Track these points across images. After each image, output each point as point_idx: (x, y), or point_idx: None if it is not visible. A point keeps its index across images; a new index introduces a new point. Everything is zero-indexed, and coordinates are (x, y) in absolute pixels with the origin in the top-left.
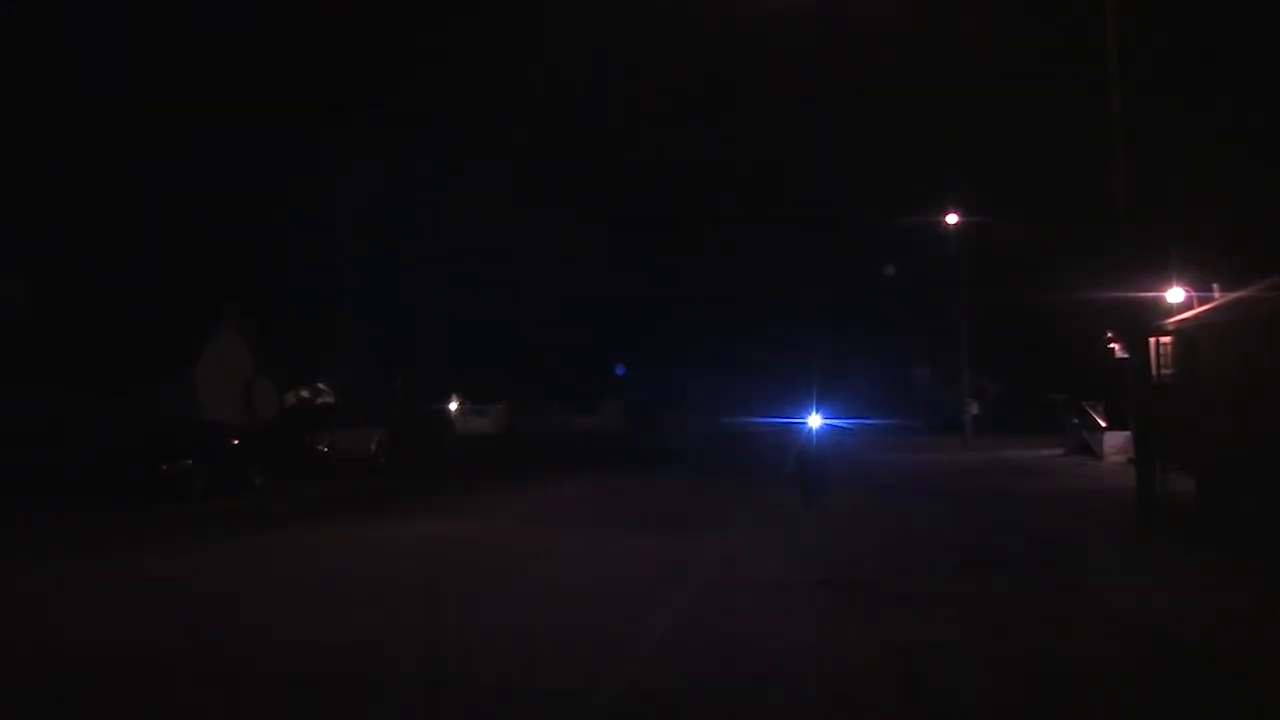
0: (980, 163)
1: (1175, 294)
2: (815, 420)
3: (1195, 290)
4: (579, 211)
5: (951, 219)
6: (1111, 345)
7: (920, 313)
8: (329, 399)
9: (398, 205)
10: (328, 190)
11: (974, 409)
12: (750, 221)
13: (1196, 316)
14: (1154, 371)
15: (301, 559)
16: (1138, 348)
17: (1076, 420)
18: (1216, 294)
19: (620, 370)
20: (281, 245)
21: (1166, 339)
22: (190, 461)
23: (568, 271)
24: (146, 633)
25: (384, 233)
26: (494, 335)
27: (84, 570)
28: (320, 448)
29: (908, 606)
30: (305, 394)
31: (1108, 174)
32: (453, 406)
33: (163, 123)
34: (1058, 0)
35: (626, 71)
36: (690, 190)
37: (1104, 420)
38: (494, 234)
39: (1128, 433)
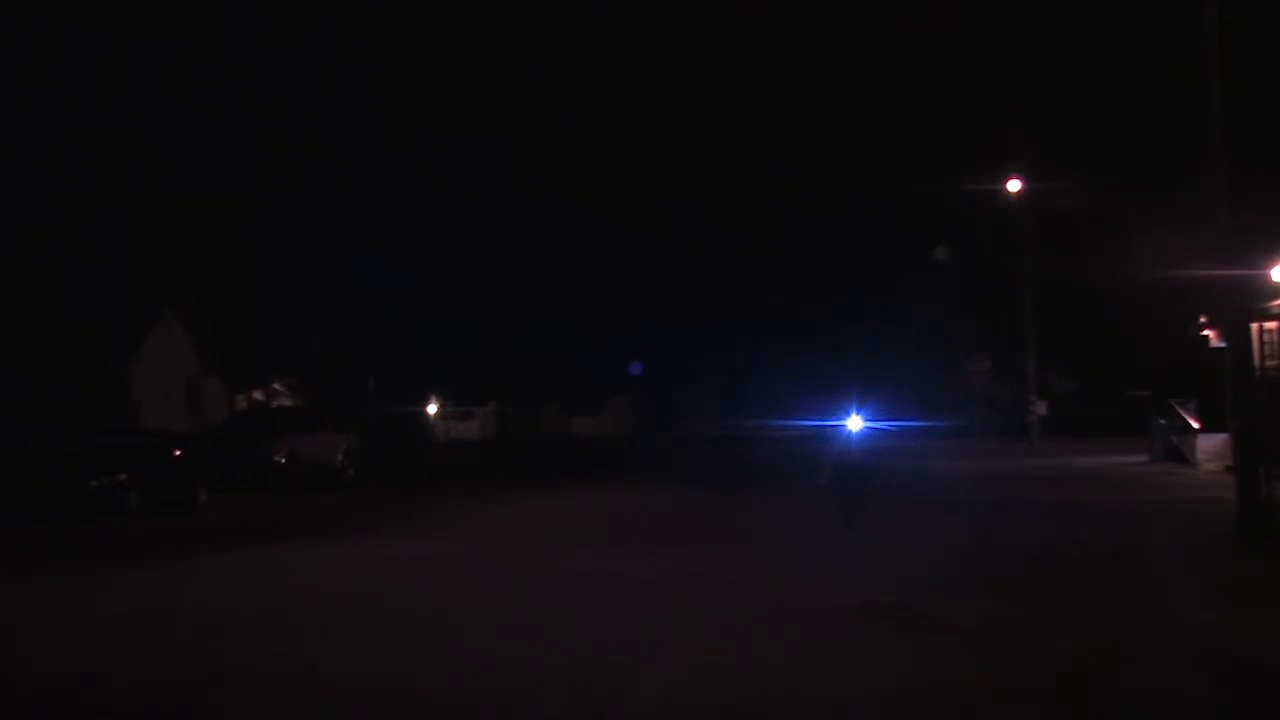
0: (1045, 116)
1: None
2: (854, 423)
3: None
4: (580, 188)
5: (1013, 185)
6: (1205, 332)
7: (976, 296)
8: (287, 401)
9: (378, 184)
10: (294, 165)
11: (1040, 408)
12: (779, 196)
13: None
14: (1258, 363)
15: (247, 585)
16: (1237, 335)
17: (1163, 421)
18: None
19: (635, 369)
20: (237, 226)
21: (1272, 324)
22: (124, 476)
23: (568, 257)
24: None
25: (359, 214)
26: (481, 329)
27: None
28: (277, 458)
29: (962, 639)
30: (260, 396)
31: (1200, 125)
32: (432, 410)
33: (108, 82)
34: None
35: (640, 36)
36: (713, 161)
37: (1196, 421)
38: (486, 217)
39: (1225, 435)
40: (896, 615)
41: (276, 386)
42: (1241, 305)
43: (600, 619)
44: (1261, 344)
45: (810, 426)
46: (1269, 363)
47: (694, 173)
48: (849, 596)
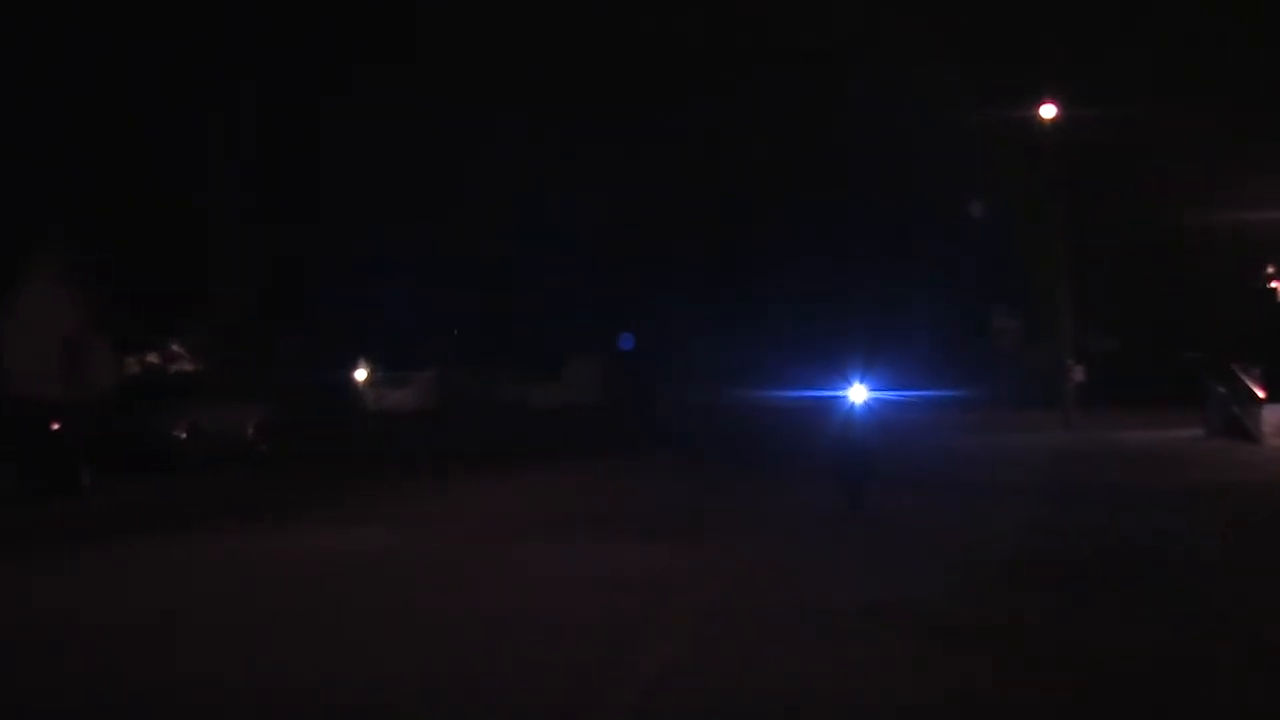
0: (1085, 29)
1: None
2: (859, 393)
3: None
4: (541, 113)
5: (1047, 111)
6: (1273, 285)
7: (1004, 244)
8: (187, 365)
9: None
10: (201, 81)
11: (1078, 374)
12: (775, 130)
13: None
14: None
15: (137, 585)
16: None
17: (1222, 389)
18: None
19: (626, 341)
20: (128, 153)
21: None
22: None
23: (524, 195)
24: None
25: (277, 142)
26: (419, 278)
27: None
28: (176, 433)
29: (982, 643)
30: (154, 359)
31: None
32: (360, 376)
33: None
34: None
35: None
36: (701, 85)
37: (1263, 389)
38: (432, 145)
39: None
40: (907, 616)
41: (174, 348)
42: None
43: (555, 625)
44: None
45: (812, 397)
46: None
47: (686, 93)
48: (853, 596)
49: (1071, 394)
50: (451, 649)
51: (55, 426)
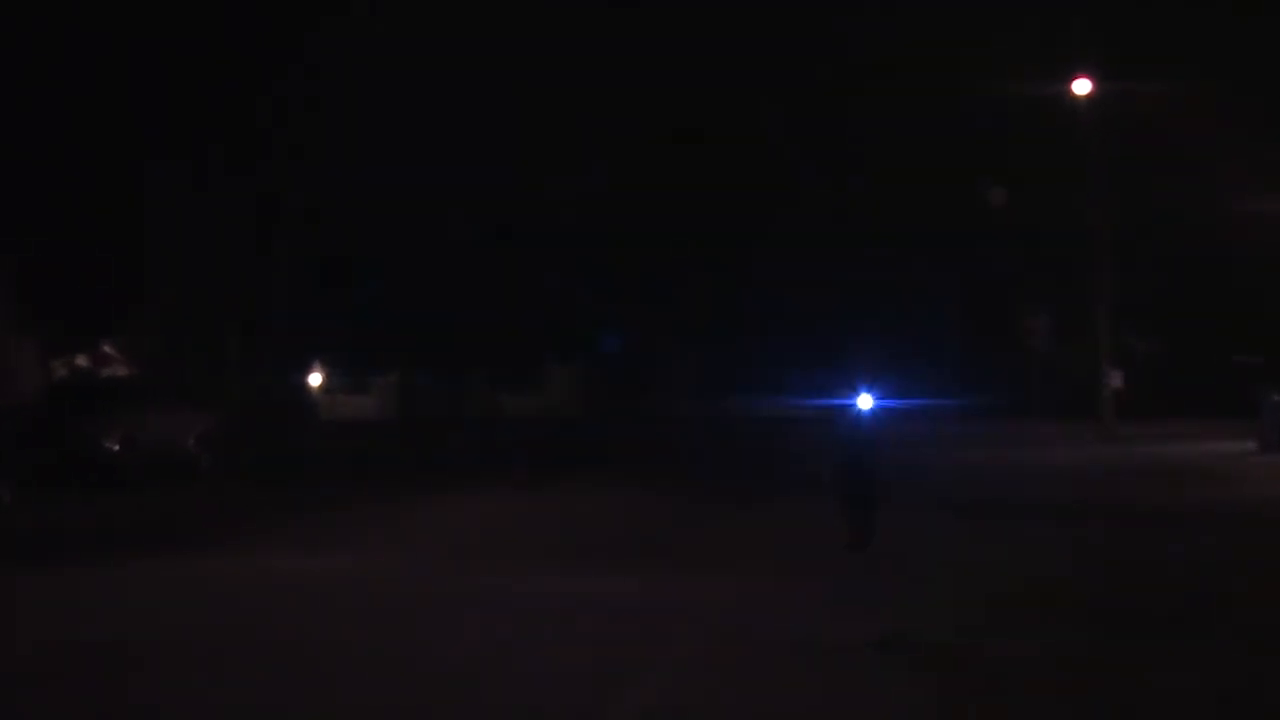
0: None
1: None
2: (865, 402)
3: None
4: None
5: (1080, 87)
6: None
7: (1032, 235)
8: (121, 369)
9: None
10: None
11: (1116, 380)
12: (774, 110)
13: None
14: None
15: (59, 616)
16: None
17: (1278, 398)
18: None
19: (609, 343)
20: (52, 134)
21: None
22: None
23: (491, 180)
24: None
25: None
26: (385, 274)
27: None
28: (108, 444)
29: (1005, 682)
30: (84, 362)
31: None
32: (315, 381)
33: None
34: None
35: None
36: (692, 57)
37: None
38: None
39: None
40: (922, 651)
41: (107, 349)
42: None
43: (527, 664)
44: None
45: (812, 407)
46: None
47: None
48: (862, 628)
49: (1109, 402)
50: (407, 690)
51: None
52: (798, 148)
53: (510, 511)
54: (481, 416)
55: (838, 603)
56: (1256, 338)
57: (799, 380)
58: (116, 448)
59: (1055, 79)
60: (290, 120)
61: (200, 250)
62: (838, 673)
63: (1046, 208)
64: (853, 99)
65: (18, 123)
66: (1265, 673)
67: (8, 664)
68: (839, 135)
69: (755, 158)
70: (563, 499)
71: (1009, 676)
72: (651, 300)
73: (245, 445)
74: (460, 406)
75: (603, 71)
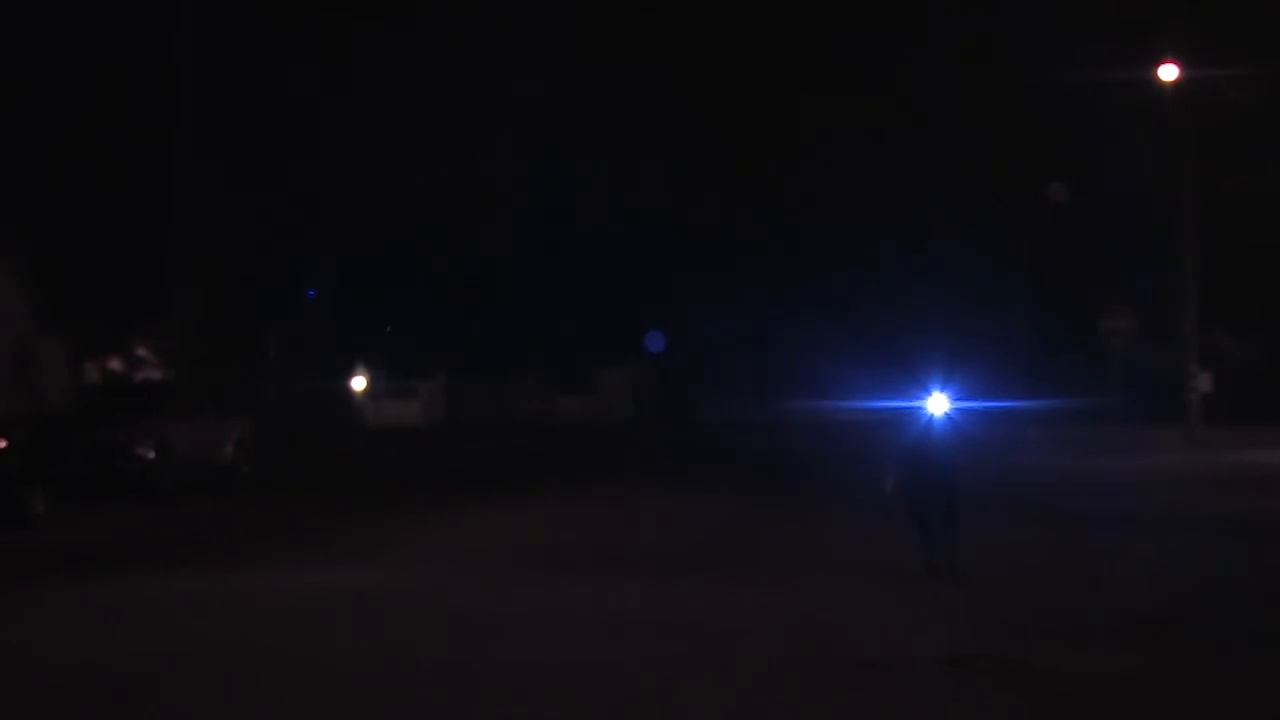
0: None
1: None
2: (936, 404)
3: None
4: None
5: (1167, 72)
6: None
7: (1115, 230)
8: (155, 373)
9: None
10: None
11: (1204, 383)
12: (838, 107)
13: None
14: None
15: (95, 634)
16: None
17: None
18: None
19: (655, 343)
20: (84, 140)
21: None
22: None
23: (551, 182)
24: None
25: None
26: (430, 273)
27: None
28: (142, 451)
29: (1086, 703)
30: (118, 365)
31: None
32: (359, 385)
33: None
34: None
35: None
36: (751, 59)
37: None
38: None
39: None
40: (998, 670)
41: (140, 352)
42: None
43: (594, 680)
44: None
45: (880, 410)
46: None
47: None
48: (933, 645)
49: (1196, 406)
50: (494, 694)
51: (2, 444)
52: (869, 144)
53: (562, 523)
54: (534, 420)
55: (904, 621)
56: None
57: (867, 381)
58: (151, 455)
59: (1140, 65)
60: (330, 118)
61: (237, 250)
62: (908, 689)
63: (1132, 202)
64: (927, 93)
65: (48, 119)
66: None
67: (34, 682)
68: (917, 129)
69: (821, 153)
70: (614, 510)
71: (1088, 698)
72: (709, 300)
73: (285, 453)
74: (511, 410)
75: (655, 66)
